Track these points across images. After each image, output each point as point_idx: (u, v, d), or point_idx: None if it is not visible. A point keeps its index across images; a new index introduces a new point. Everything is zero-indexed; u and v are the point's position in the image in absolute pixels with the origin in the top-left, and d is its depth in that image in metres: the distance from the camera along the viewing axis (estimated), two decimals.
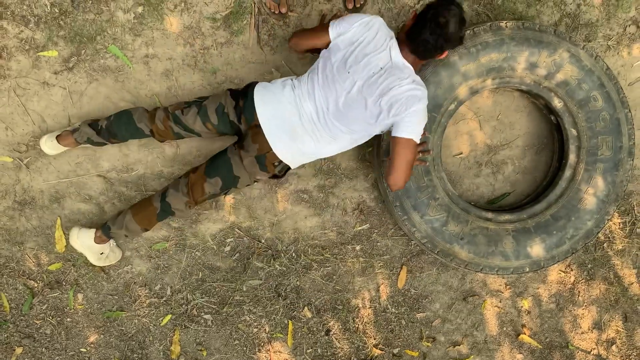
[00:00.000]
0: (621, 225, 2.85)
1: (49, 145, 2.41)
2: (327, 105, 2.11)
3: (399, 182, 2.08)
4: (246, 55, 2.55)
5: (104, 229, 2.44)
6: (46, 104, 2.53)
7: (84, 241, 2.46)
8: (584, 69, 2.40)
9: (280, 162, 2.21)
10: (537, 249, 2.52)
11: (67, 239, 2.63)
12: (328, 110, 2.11)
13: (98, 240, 2.46)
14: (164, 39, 2.49)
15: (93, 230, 2.47)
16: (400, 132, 2.03)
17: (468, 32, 2.34)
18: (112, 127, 2.36)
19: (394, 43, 2.05)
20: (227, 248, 2.73)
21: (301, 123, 2.14)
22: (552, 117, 2.61)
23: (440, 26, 1.93)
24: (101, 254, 2.51)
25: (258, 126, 2.15)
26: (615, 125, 2.46)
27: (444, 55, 2.07)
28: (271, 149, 2.16)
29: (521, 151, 2.77)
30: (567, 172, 2.54)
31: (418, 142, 2.06)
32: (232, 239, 2.73)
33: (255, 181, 2.31)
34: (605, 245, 2.85)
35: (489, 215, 2.53)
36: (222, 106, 2.24)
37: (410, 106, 1.99)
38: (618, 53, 2.67)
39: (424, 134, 2.28)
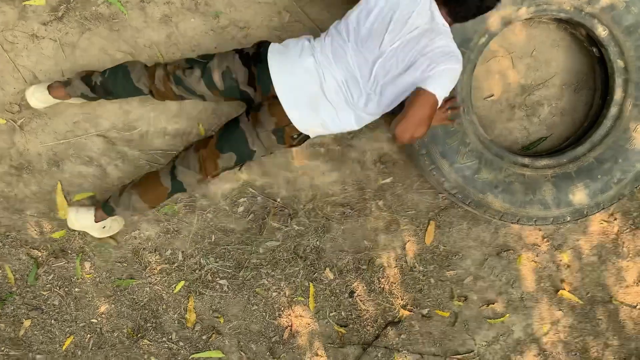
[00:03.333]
0: None
1: (37, 97, 2.20)
2: (358, 73, 1.89)
3: (406, 134, 1.80)
4: None
5: (106, 209, 2.25)
6: (37, 58, 2.33)
7: (83, 223, 2.28)
8: None
9: (300, 134, 2.02)
10: (579, 196, 2.28)
11: (69, 204, 2.46)
12: (359, 78, 1.89)
13: (99, 219, 2.28)
14: None
15: (92, 211, 2.28)
16: (425, 85, 1.81)
17: None
18: (108, 85, 2.13)
19: (433, 1, 1.87)
20: (241, 208, 2.54)
21: (323, 93, 1.92)
22: (594, 49, 2.34)
23: None
24: (103, 227, 2.34)
25: (275, 97, 1.94)
26: None
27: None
28: (290, 122, 1.96)
29: (558, 90, 2.51)
30: (613, 110, 2.28)
31: (440, 103, 1.84)
32: (245, 199, 2.53)
33: (270, 152, 2.13)
34: None
35: (526, 160, 2.29)
36: (230, 71, 2.00)
37: (445, 63, 1.82)
38: None
39: (453, 98, 2.13)
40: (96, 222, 2.27)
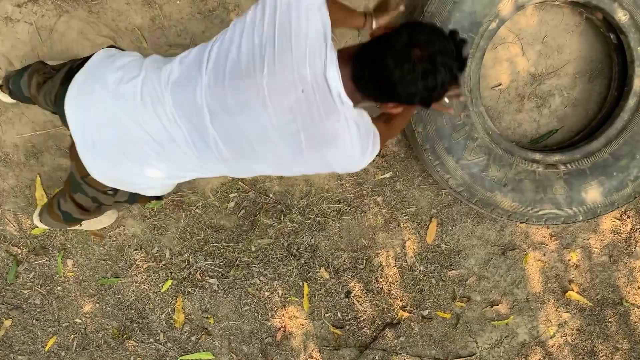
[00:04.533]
0: None
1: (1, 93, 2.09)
2: (205, 118, 1.30)
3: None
4: None
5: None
6: (12, 43, 2.17)
7: (38, 224, 2.16)
8: None
9: (116, 190, 1.53)
10: (593, 194, 2.14)
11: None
12: (214, 135, 1.31)
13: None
14: None
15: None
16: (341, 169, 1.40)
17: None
18: (14, 91, 1.90)
19: (333, 55, 1.23)
20: (231, 204, 2.39)
21: (143, 141, 1.36)
22: (612, 36, 2.17)
23: (416, 71, 1.15)
24: (80, 224, 2.19)
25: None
26: None
27: (393, 109, 1.29)
28: (88, 173, 1.46)
29: (571, 79, 2.34)
30: (631, 101, 2.12)
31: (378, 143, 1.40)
32: (236, 194, 2.38)
33: (125, 202, 1.65)
34: None
35: (537, 156, 2.14)
36: (53, 87, 1.56)
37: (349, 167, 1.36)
38: None
39: (458, 95, 1.66)
40: (47, 226, 2.14)
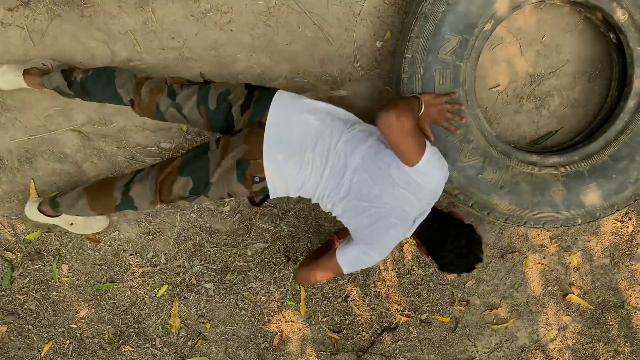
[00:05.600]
0: None
1: (6, 80, 2.06)
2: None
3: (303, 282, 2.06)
4: None
5: (52, 204, 2.09)
6: (4, 47, 2.15)
7: (37, 217, 2.15)
8: None
9: (262, 179, 1.82)
10: (592, 197, 2.10)
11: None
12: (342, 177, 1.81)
13: (49, 214, 2.13)
14: None
15: (37, 202, 2.15)
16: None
17: None
18: (87, 84, 1.97)
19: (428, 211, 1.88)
20: (227, 208, 2.37)
21: (312, 152, 1.80)
22: (612, 35, 2.13)
23: (458, 249, 1.83)
24: (71, 224, 2.18)
25: (261, 125, 1.79)
26: None
27: (425, 253, 1.98)
28: (260, 157, 1.78)
29: (570, 80, 2.31)
30: (631, 102, 2.08)
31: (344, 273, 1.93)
32: (231, 198, 2.36)
33: (229, 195, 1.91)
34: None
35: (534, 158, 2.11)
36: (228, 93, 1.87)
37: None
38: None
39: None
40: (47, 215, 2.14)
